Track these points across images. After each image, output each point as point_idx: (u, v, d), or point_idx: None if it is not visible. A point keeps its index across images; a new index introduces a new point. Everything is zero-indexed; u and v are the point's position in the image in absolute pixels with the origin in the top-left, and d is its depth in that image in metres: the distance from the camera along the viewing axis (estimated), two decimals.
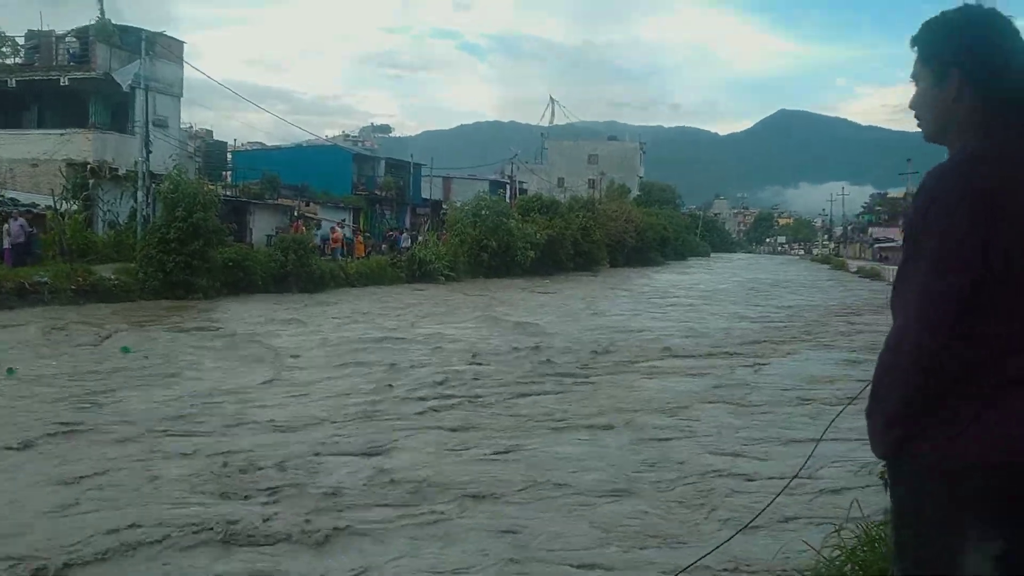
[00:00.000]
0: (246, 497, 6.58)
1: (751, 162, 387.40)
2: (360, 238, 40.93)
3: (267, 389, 11.54)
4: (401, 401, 10.76)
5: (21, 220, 25.26)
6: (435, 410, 10.23)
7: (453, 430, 9.21)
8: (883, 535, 3.86)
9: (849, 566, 3.79)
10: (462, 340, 17.16)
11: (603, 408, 10.47)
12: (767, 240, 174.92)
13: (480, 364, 13.93)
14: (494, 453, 8.21)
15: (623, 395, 11.57)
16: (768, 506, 4.20)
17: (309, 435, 8.78)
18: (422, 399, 10.90)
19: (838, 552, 3.88)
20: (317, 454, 7.94)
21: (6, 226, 25.02)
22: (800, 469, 4.72)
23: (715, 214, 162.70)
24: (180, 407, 10.05)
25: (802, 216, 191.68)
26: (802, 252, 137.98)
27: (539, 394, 11.47)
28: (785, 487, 4.28)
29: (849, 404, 5.52)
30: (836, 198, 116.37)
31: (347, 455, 8.00)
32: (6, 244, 24.69)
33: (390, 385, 11.75)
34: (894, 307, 1.91)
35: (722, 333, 19.40)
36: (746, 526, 4.55)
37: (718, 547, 4.57)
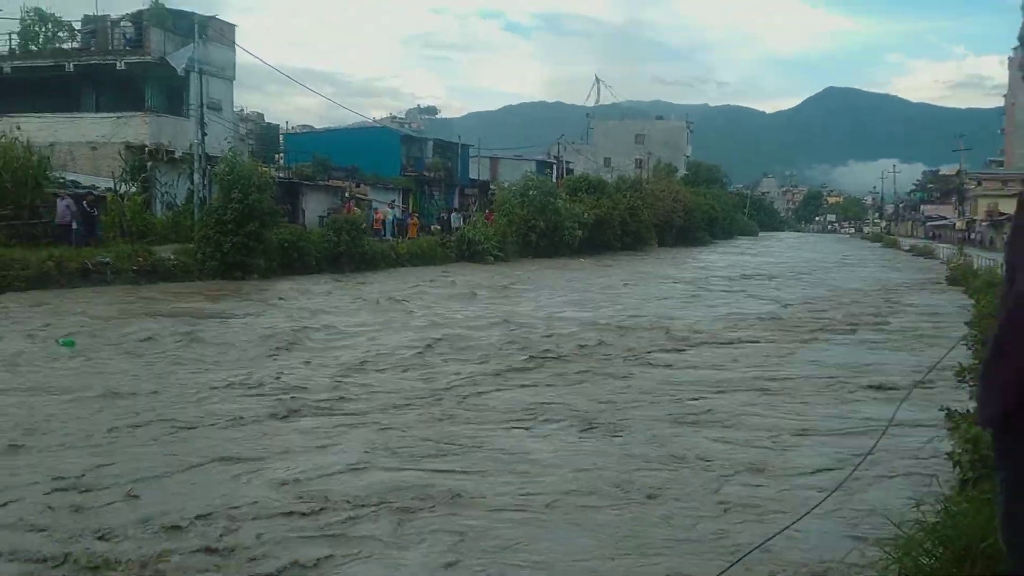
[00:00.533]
0: None
1: (799, 140, 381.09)
2: (414, 219, 41.21)
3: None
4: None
5: (68, 200, 25.50)
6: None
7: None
8: (964, 510, 3.92)
9: (930, 542, 3.84)
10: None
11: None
12: (816, 219, 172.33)
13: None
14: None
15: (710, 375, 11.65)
16: (846, 479, 4.28)
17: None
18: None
19: (918, 528, 3.94)
20: None
21: (66, 202, 25.54)
22: (877, 440, 4.76)
23: (763, 193, 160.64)
24: None
25: (852, 194, 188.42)
26: (852, 231, 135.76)
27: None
28: (864, 458, 4.32)
29: (915, 388, 5.49)
30: (887, 176, 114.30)
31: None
32: (65, 218, 25.23)
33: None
34: (1017, 267, 1.85)
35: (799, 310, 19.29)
36: (829, 495, 4.61)
37: (795, 522, 4.65)
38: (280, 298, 21.06)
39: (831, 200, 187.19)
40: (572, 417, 9.04)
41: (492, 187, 56.05)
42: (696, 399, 10.17)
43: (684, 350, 14.01)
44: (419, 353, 13.20)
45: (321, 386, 10.55)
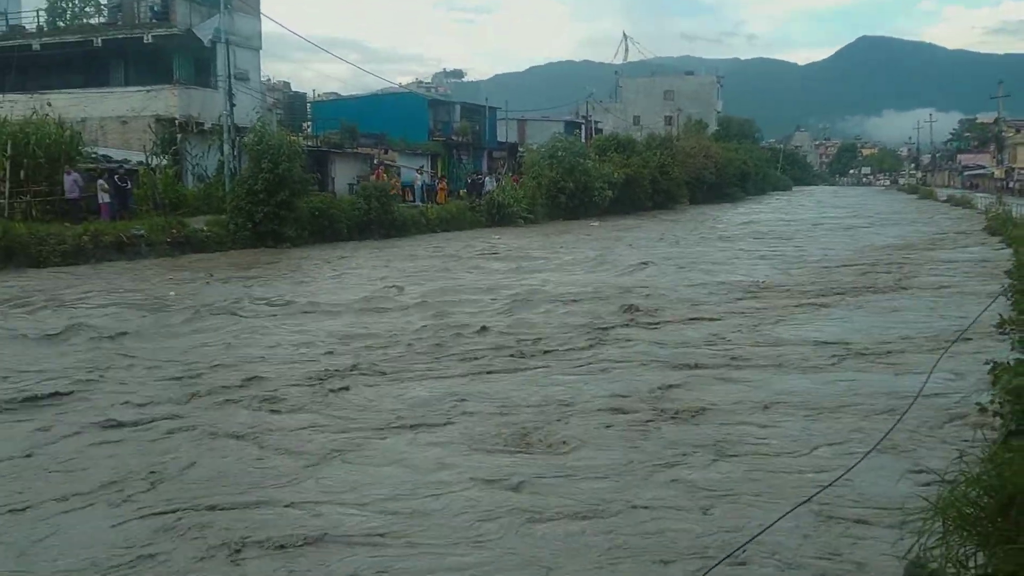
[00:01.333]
0: None
1: (832, 92, 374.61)
2: (443, 183, 41.08)
3: None
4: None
5: (75, 175, 25.33)
6: None
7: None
8: (1008, 460, 3.85)
9: (974, 492, 3.78)
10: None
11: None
12: (851, 171, 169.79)
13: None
14: None
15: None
16: (889, 432, 4.22)
17: None
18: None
19: (963, 478, 3.88)
20: None
21: (100, 181, 25.79)
22: (918, 393, 4.68)
23: (796, 147, 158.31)
24: None
25: (887, 146, 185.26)
26: (888, 183, 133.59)
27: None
28: (905, 411, 4.26)
29: (955, 342, 5.37)
30: (923, 126, 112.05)
31: None
32: (102, 199, 25.48)
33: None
34: None
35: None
36: (872, 449, 4.57)
37: (840, 477, 4.61)
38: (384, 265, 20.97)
39: (866, 152, 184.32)
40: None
41: (520, 149, 55.76)
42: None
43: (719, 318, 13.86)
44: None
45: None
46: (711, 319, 12.70)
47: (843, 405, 7.72)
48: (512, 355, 10.23)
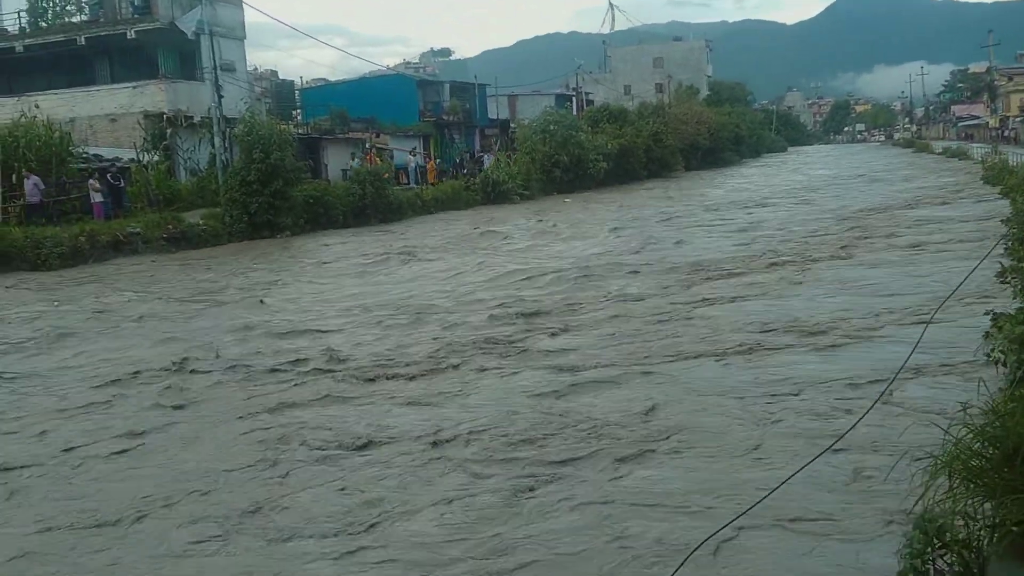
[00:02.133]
0: None
1: (822, 50, 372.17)
2: (432, 164, 40.91)
3: None
4: None
5: (35, 179, 24.46)
6: None
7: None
8: (1012, 410, 3.84)
9: (979, 444, 3.78)
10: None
11: None
12: (845, 129, 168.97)
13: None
14: None
15: None
16: (888, 386, 4.22)
17: None
18: None
19: (966, 430, 3.87)
20: None
21: (91, 181, 25.65)
22: (917, 342, 4.67)
23: (789, 107, 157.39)
24: None
25: (880, 101, 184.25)
26: (883, 138, 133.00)
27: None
28: (904, 363, 4.22)
29: (954, 291, 5.33)
30: (915, 79, 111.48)
31: None
32: (95, 199, 25.35)
33: None
34: None
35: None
36: (874, 404, 4.58)
37: (847, 432, 4.62)
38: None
39: (859, 109, 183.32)
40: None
41: (512, 125, 55.51)
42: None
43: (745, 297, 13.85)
44: None
45: None
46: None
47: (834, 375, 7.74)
48: None
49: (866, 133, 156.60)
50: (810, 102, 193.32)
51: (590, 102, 67.63)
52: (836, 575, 4.59)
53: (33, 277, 19.22)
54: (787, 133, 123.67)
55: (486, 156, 43.40)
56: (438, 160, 44.37)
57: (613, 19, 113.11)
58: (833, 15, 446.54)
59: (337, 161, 38.58)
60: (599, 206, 32.05)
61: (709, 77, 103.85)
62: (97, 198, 25.36)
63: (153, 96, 33.61)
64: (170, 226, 24.18)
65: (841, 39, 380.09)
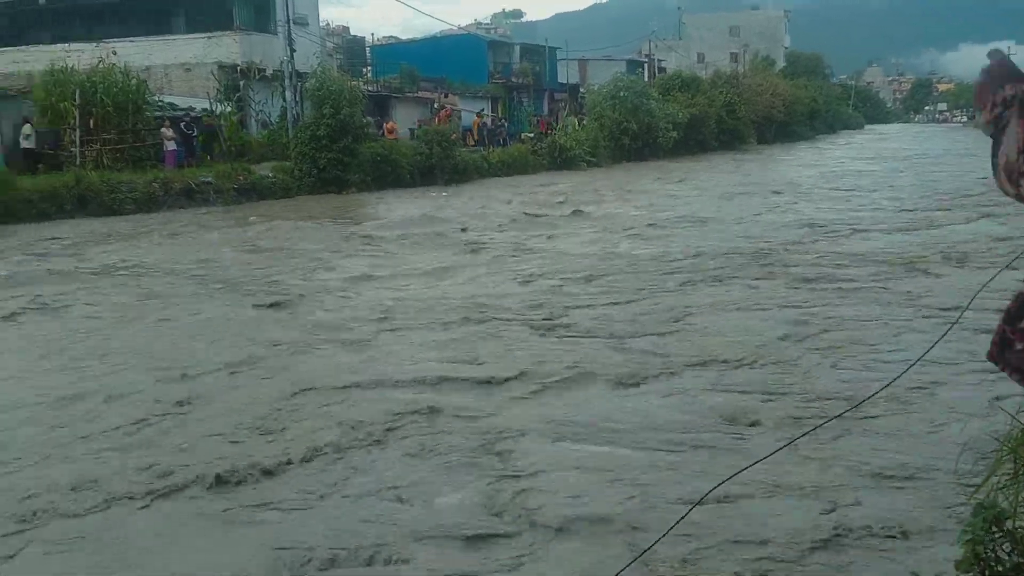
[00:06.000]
0: None
1: (906, 25, 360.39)
2: (476, 120, 40.40)
3: None
4: None
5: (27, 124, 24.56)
6: None
7: None
8: None
9: None
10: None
11: None
12: (926, 108, 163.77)
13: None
14: None
15: None
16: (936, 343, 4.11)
17: None
18: None
19: None
20: None
21: (164, 129, 26.17)
22: (969, 301, 4.51)
23: (868, 83, 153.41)
24: None
25: (964, 81, 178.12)
26: (965, 119, 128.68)
27: None
28: (955, 321, 4.07)
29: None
30: None
31: None
32: (167, 147, 25.88)
33: None
34: None
35: None
36: (918, 360, 4.46)
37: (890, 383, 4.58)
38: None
39: (942, 88, 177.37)
40: None
41: (582, 90, 54.95)
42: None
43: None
44: None
45: None
46: None
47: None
48: None
49: (947, 114, 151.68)
50: (890, 79, 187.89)
51: (662, 69, 66.59)
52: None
53: (120, 221, 19.73)
54: (865, 110, 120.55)
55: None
56: (502, 122, 44.16)
57: None
58: None
59: (405, 119, 38.66)
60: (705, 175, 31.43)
61: (786, 48, 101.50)
62: (170, 146, 25.88)
63: (228, 47, 34.00)
64: (240, 177, 24.54)
65: (926, 15, 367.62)
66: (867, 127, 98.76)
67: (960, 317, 5.18)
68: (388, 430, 6.06)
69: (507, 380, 7.17)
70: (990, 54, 2.17)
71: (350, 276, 12.47)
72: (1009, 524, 3.58)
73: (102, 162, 24.33)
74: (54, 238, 16.88)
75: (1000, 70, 2.07)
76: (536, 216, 19.51)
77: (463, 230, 17.10)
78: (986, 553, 3.55)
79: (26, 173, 22.37)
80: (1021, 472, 3.65)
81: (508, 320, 9.36)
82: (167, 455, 5.70)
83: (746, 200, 22.21)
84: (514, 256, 14.01)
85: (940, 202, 20.18)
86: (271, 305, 10.51)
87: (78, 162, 23.81)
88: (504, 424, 6.13)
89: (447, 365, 7.64)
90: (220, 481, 5.27)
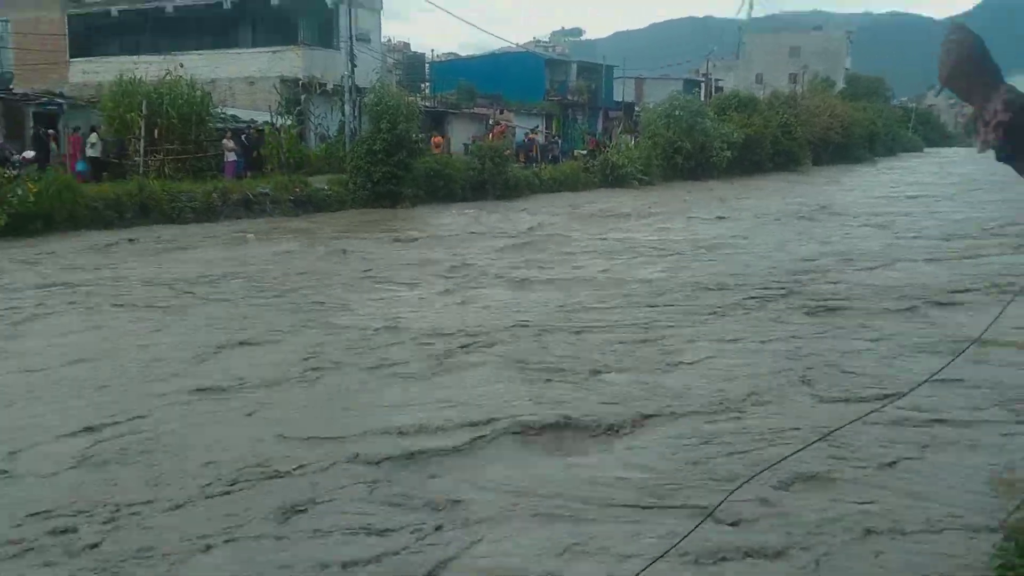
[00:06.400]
0: None
1: None
2: (531, 135, 40.77)
3: None
4: None
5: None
6: None
7: None
8: None
9: None
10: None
11: None
12: None
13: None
14: None
15: None
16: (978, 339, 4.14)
17: None
18: None
19: None
20: None
21: (224, 141, 26.85)
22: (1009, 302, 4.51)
23: (929, 106, 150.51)
24: None
25: None
26: None
27: None
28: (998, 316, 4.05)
29: None
30: None
31: None
32: (228, 158, 26.56)
33: None
34: None
35: None
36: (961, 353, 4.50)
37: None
38: None
39: None
40: None
41: (637, 109, 54.98)
42: None
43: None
44: None
45: None
46: None
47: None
48: None
49: None
50: (952, 102, 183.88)
51: (719, 89, 66.34)
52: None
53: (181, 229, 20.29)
54: (925, 133, 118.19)
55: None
56: (555, 139, 44.44)
57: (751, 5, 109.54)
58: (988, 10, 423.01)
59: (460, 135, 39.07)
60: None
61: (847, 70, 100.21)
62: (230, 157, 26.54)
63: (291, 62, 34.78)
64: (297, 189, 25.04)
65: (994, 37, 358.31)
66: (927, 150, 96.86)
67: (969, 347, 5.16)
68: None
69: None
70: (951, 27, 2.09)
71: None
72: None
73: (164, 172, 25.03)
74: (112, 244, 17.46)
75: (964, 51, 2.01)
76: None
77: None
78: None
79: (91, 181, 23.20)
80: None
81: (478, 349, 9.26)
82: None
83: (780, 227, 21.90)
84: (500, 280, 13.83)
85: (983, 231, 19.80)
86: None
87: (141, 171, 24.53)
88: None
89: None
90: None
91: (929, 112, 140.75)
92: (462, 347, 9.11)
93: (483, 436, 6.36)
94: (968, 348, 5.33)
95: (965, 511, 4.83)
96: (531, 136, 41.11)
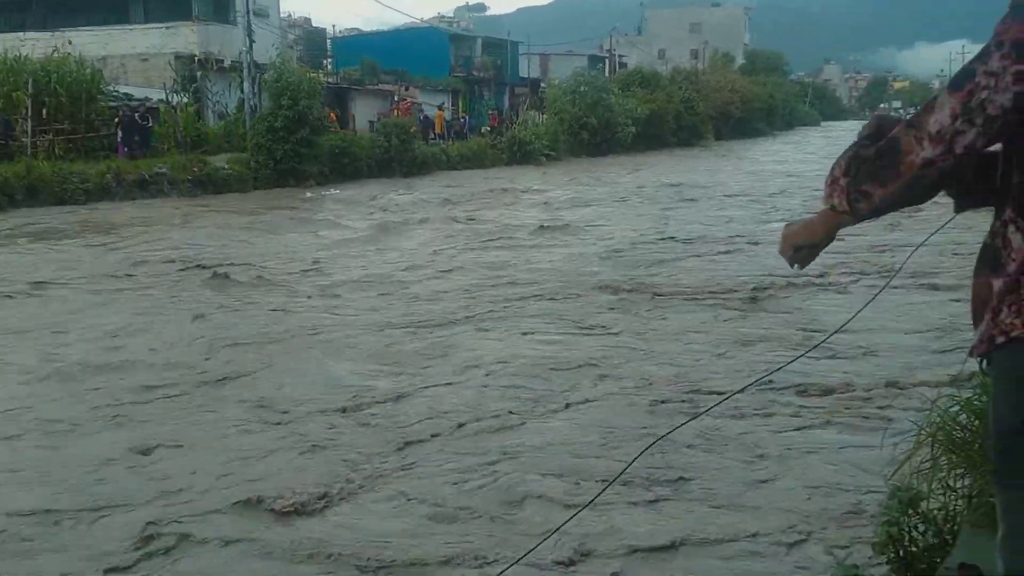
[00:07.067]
0: None
1: (863, 23, 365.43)
2: (440, 114, 40.46)
3: None
4: None
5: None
6: None
7: None
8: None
9: (964, 415, 3.81)
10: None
11: None
12: (882, 106, 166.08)
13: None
14: None
15: None
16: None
17: None
18: None
19: (952, 402, 3.90)
20: None
21: (117, 120, 25.92)
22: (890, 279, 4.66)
23: (825, 80, 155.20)
24: None
25: (918, 79, 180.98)
26: None
27: None
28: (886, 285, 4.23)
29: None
30: (955, 57, 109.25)
31: None
32: (121, 138, 25.65)
33: None
34: None
35: None
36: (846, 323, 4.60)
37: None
38: None
39: (897, 86, 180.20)
40: None
41: (543, 85, 55.13)
42: None
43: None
44: None
45: None
46: None
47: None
48: None
49: (903, 111, 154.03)
50: (847, 76, 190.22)
51: (623, 65, 66.99)
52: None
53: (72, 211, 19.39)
54: (822, 107, 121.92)
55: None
56: (464, 116, 44.27)
57: None
58: None
59: (365, 112, 38.53)
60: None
61: (746, 45, 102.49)
62: (124, 136, 25.58)
63: (185, 38, 33.68)
64: (195, 168, 24.29)
65: (883, 13, 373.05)
66: (823, 124, 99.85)
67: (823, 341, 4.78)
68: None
69: None
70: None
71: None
72: (924, 506, 3.75)
73: (54, 152, 24.00)
74: None
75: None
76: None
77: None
78: (901, 534, 3.71)
79: None
80: (938, 456, 3.82)
81: None
82: None
83: (646, 207, 20.41)
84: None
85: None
86: None
87: (29, 152, 23.47)
88: None
89: None
90: None
91: (825, 87, 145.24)
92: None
93: None
94: (824, 341, 5.28)
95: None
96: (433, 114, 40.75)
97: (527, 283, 11.03)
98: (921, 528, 3.70)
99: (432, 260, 13.14)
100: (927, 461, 3.77)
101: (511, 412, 6.23)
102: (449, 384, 6.94)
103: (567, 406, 6.37)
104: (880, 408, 5.95)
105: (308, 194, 23.75)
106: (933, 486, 3.73)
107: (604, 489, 4.12)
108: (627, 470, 4.24)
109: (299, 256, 13.48)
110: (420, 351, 7.89)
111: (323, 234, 16.13)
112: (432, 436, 5.79)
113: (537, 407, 6.35)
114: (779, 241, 2.06)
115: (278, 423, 6.09)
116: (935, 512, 3.70)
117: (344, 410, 6.31)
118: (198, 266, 12.33)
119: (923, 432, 3.93)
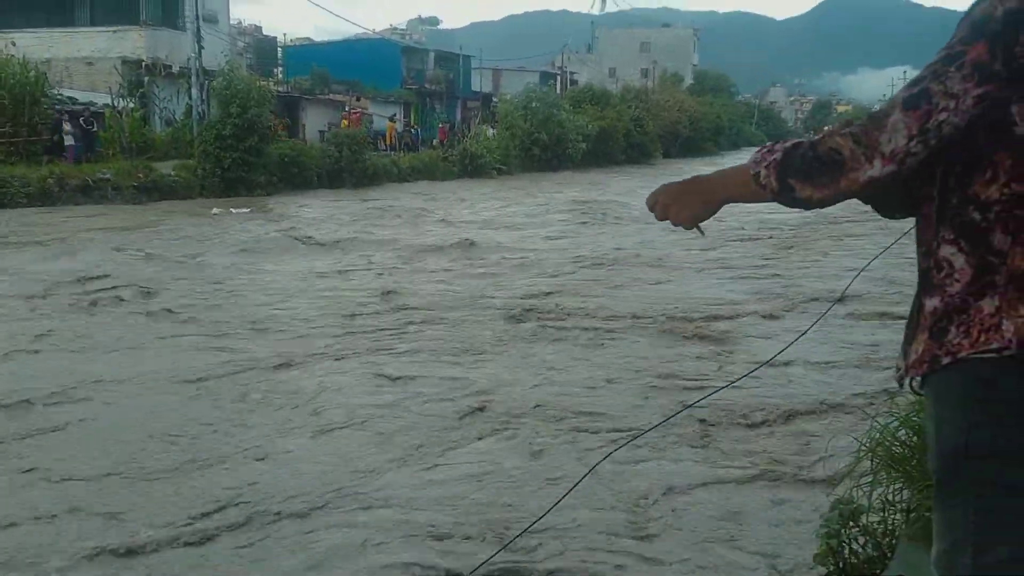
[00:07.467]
0: None
1: (809, 47, 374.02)
2: (392, 126, 40.48)
3: None
4: None
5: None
6: None
7: None
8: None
9: (903, 431, 3.91)
10: None
11: None
12: (825, 128, 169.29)
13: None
14: None
15: None
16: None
17: None
18: None
19: (893, 418, 4.00)
20: None
21: (65, 126, 25.43)
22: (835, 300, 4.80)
23: (771, 102, 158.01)
24: None
25: (861, 103, 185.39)
26: None
27: None
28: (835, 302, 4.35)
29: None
30: (896, 83, 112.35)
31: None
32: (68, 142, 25.16)
33: None
34: None
35: None
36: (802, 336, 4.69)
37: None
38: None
39: (840, 109, 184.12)
40: None
41: (495, 99, 55.38)
42: None
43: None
44: None
45: None
46: None
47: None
48: None
49: None
50: (792, 99, 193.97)
51: (574, 82, 67.53)
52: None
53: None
54: (768, 128, 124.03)
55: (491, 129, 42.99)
56: (413, 128, 44.26)
57: (604, 0, 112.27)
58: (822, 13, 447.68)
59: (315, 122, 38.32)
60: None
61: (695, 66, 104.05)
62: (69, 141, 25.12)
63: (133, 42, 33.21)
64: (141, 175, 23.90)
65: (828, 39, 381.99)
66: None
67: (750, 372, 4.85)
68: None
69: None
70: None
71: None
72: (864, 520, 3.85)
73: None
74: None
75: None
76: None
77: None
78: (841, 546, 3.80)
79: None
80: (877, 471, 3.92)
81: None
82: None
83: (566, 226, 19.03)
84: None
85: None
86: None
87: None
88: None
89: None
90: None
91: (771, 109, 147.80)
92: None
93: None
94: (751, 373, 5.07)
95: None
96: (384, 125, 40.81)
97: (415, 308, 9.80)
98: (861, 540, 3.78)
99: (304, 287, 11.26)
100: (867, 475, 3.85)
101: (372, 471, 5.08)
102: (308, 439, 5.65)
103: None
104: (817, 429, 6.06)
105: (215, 211, 20.92)
106: (873, 500, 3.81)
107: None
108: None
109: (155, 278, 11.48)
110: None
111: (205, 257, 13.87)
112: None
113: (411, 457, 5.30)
114: (659, 193, 1.91)
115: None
116: (875, 525, 3.78)
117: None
118: None
119: (863, 447, 4.01)
